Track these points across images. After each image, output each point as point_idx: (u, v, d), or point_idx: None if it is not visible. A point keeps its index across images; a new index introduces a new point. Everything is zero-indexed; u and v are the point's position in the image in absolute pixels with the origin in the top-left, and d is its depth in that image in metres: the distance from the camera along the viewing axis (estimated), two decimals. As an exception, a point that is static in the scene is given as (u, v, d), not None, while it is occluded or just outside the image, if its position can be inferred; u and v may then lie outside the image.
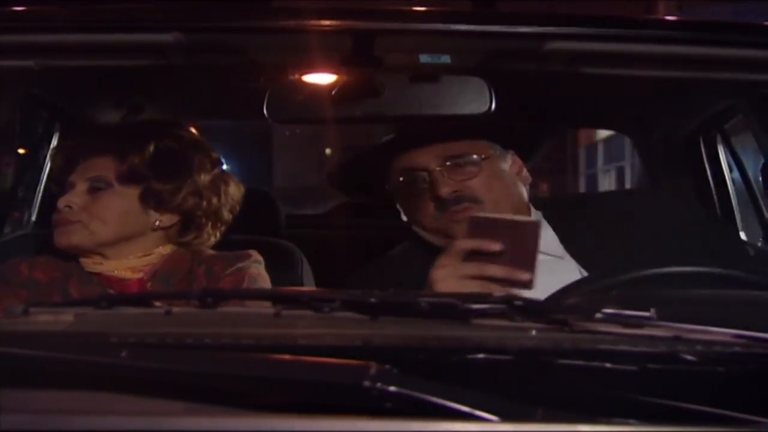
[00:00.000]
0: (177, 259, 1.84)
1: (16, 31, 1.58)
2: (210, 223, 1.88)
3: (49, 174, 1.83)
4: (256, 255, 1.88)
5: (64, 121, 2.68)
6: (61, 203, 1.80)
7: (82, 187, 1.81)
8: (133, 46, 1.67)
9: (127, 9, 1.58)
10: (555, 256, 1.76)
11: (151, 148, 1.83)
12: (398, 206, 1.91)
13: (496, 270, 1.47)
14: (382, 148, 1.89)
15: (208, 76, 2.27)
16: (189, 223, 1.86)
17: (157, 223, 1.84)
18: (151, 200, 1.82)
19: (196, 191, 1.84)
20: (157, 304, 1.12)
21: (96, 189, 1.81)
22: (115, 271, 1.81)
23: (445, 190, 1.74)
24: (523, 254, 1.48)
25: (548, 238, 1.78)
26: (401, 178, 1.82)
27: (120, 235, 1.80)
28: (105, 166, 1.83)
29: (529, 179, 1.89)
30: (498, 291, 1.45)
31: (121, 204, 1.81)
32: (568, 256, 1.76)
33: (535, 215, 1.85)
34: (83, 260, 1.82)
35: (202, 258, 1.85)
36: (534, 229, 1.50)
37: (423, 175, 1.78)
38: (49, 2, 1.73)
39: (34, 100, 2.53)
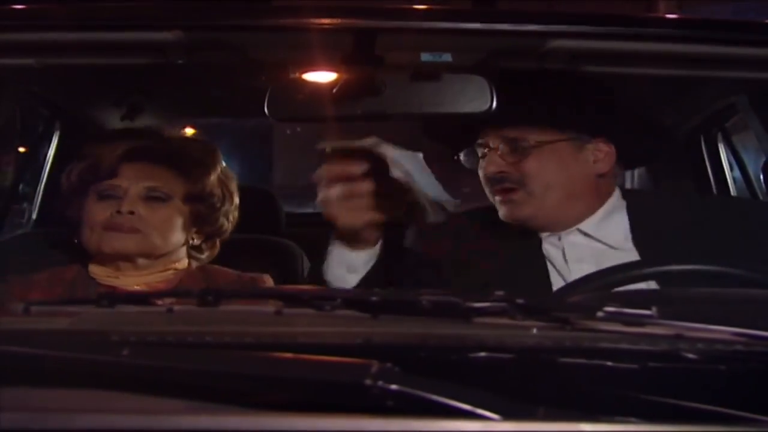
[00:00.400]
0: (191, 277, 1.84)
1: (17, 29, 1.58)
2: (218, 242, 1.90)
3: (87, 169, 1.78)
4: (269, 280, 1.89)
5: (65, 120, 2.68)
6: (125, 208, 1.76)
7: (136, 193, 1.78)
8: (134, 45, 1.66)
9: (128, 7, 1.57)
10: (611, 246, 1.77)
11: (216, 174, 1.85)
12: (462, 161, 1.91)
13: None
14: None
15: (208, 74, 2.27)
16: (209, 245, 1.88)
17: (192, 241, 1.84)
18: (200, 221, 1.83)
19: (227, 215, 1.88)
20: (159, 302, 1.12)
21: (154, 199, 1.78)
22: (134, 286, 1.79)
23: (490, 169, 1.76)
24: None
25: (611, 229, 1.79)
26: (477, 146, 1.83)
27: (166, 250, 1.81)
28: (167, 178, 1.81)
29: (614, 169, 1.86)
30: (373, 212, 1.56)
31: (177, 220, 1.81)
32: (628, 250, 1.76)
33: (618, 204, 1.84)
34: (97, 270, 1.79)
35: (218, 279, 1.85)
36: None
37: (482, 150, 1.80)
38: (50, 0, 1.74)
39: (35, 98, 2.54)
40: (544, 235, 1.83)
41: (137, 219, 1.76)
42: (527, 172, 1.76)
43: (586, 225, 1.81)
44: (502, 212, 1.80)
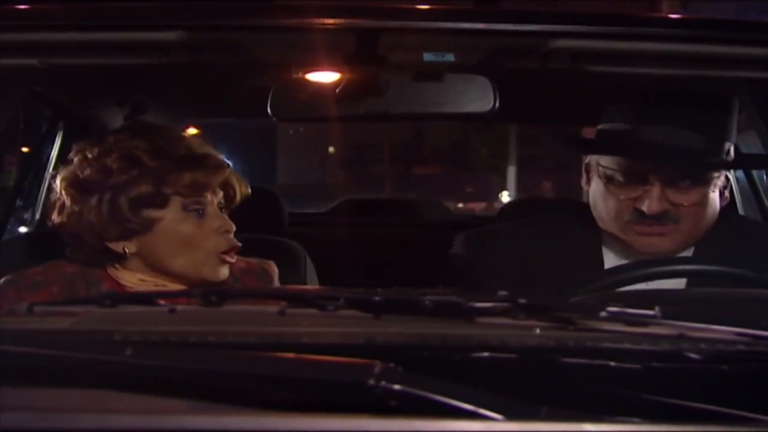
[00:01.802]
0: None
1: (20, 29, 1.58)
2: None
3: (144, 174, 1.71)
4: (274, 266, 1.89)
5: (68, 120, 2.69)
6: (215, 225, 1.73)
7: (178, 204, 1.71)
8: (137, 45, 1.67)
9: (131, 7, 1.58)
10: None
11: (243, 193, 1.82)
12: (583, 184, 1.87)
13: None
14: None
15: (211, 74, 2.27)
16: None
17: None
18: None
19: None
20: (161, 302, 1.12)
21: (192, 210, 1.72)
22: (154, 287, 1.77)
23: (655, 208, 1.70)
24: None
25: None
26: (617, 174, 1.74)
27: None
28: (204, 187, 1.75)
29: (728, 200, 1.85)
30: None
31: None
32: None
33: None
34: (126, 276, 1.78)
35: (232, 269, 1.84)
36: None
37: (641, 183, 1.72)
38: (53, 0, 1.74)
39: (38, 98, 2.54)
40: (621, 257, 1.81)
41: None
42: (686, 212, 1.72)
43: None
44: (640, 244, 1.74)
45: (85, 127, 2.66)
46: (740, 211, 2.77)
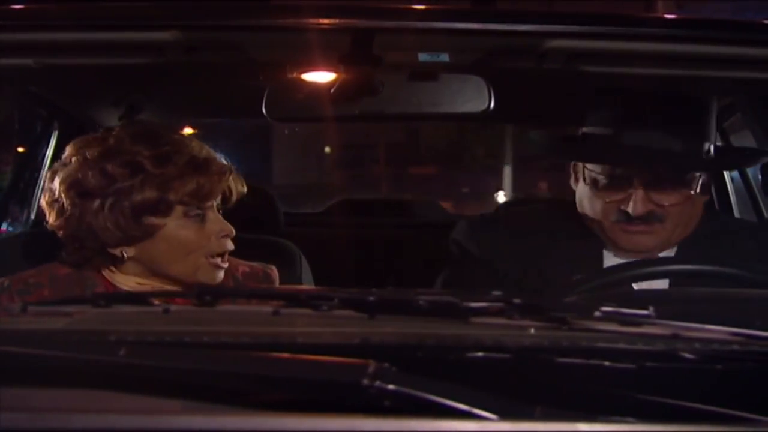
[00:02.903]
0: None
1: (15, 29, 1.58)
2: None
3: (156, 183, 1.69)
4: (275, 272, 1.89)
5: (63, 120, 2.69)
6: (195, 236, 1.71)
7: (180, 210, 1.70)
8: (132, 45, 1.67)
9: (126, 7, 1.58)
10: None
11: (239, 192, 1.79)
12: (572, 183, 1.90)
13: None
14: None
15: (207, 74, 2.27)
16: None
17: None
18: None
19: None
20: (156, 302, 1.12)
21: (194, 216, 1.71)
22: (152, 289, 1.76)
23: (640, 209, 1.74)
24: None
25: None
26: (601, 177, 1.79)
27: None
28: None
29: (709, 197, 1.89)
30: None
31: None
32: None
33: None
34: (122, 279, 1.77)
35: (234, 273, 1.83)
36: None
37: (626, 186, 1.76)
38: (48, 0, 1.74)
39: (33, 98, 2.54)
40: (618, 255, 1.84)
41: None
42: (671, 211, 1.76)
43: (667, 251, 1.84)
44: (626, 242, 1.79)
45: (81, 127, 2.66)
46: (735, 211, 2.77)
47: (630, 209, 1.75)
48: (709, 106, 1.81)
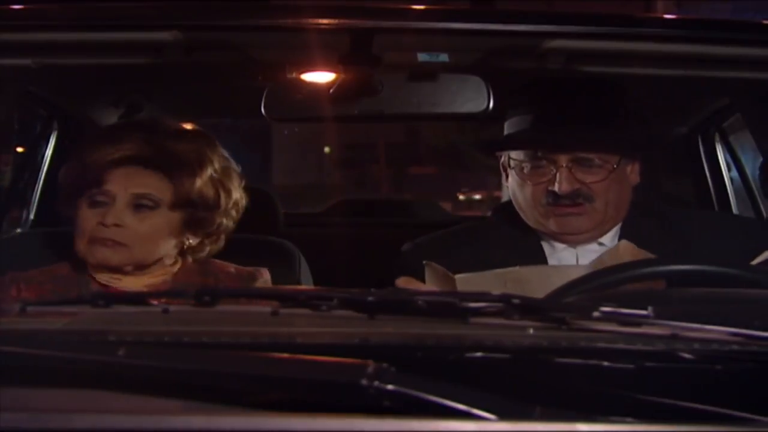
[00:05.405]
0: (189, 273, 1.83)
1: (15, 29, 1.58)
2: (223, 236, 1.87)
3: (78, 172, 1.71)
4: (266, 273, 1.88)
5: (62, 120, 2.68)
6: (109, 220, 1.70)
7: (124, 201, 1.72)
8: (132, 45, 1.67)
9: (126, 7, 1.57)
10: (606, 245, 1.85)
11: (207, 175, 1.78)
12: (504, 181, 1.94)
13: None
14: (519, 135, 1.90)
15: (206, 74, 2.27)
16: (212, 240, 1.85)
17: (188, 243, 1.81)
18: (193, 224, 1.78)
19: (227, 213, 1.83)
20: (155, 302, 1.12)
21: (141, 207, 1.72)
22: (130, 287, 1.76)
23: (566, 187, 1.78)
24: None
25: (612, 233, 1.87)
26: (525, 163, 1.83)
27: (154, 259, 1.77)
28: (153, 185, 1.74)
29: (638, 181, 1.93)
30: None
31: (168, 228, 1.76)
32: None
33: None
34: (100, 274, 1.78)
35: (218, 274, 1.84)
36: None
37: (550, 167, 1.80)
38: (48, 0, 1.73)
39: (32, 98, 2.53)
40: (559, 246, 1.86)
41: (122, 231, 1.71)
42: (598, 190, 1.80)
43: (605, 237, 1.87)
44: (560, 225, 1.82)
45: (80, 128, 2.66)
46: (734, 210, 2.77)
47: (556, 188, 1.78)
48: (622, 89, 1.85)
